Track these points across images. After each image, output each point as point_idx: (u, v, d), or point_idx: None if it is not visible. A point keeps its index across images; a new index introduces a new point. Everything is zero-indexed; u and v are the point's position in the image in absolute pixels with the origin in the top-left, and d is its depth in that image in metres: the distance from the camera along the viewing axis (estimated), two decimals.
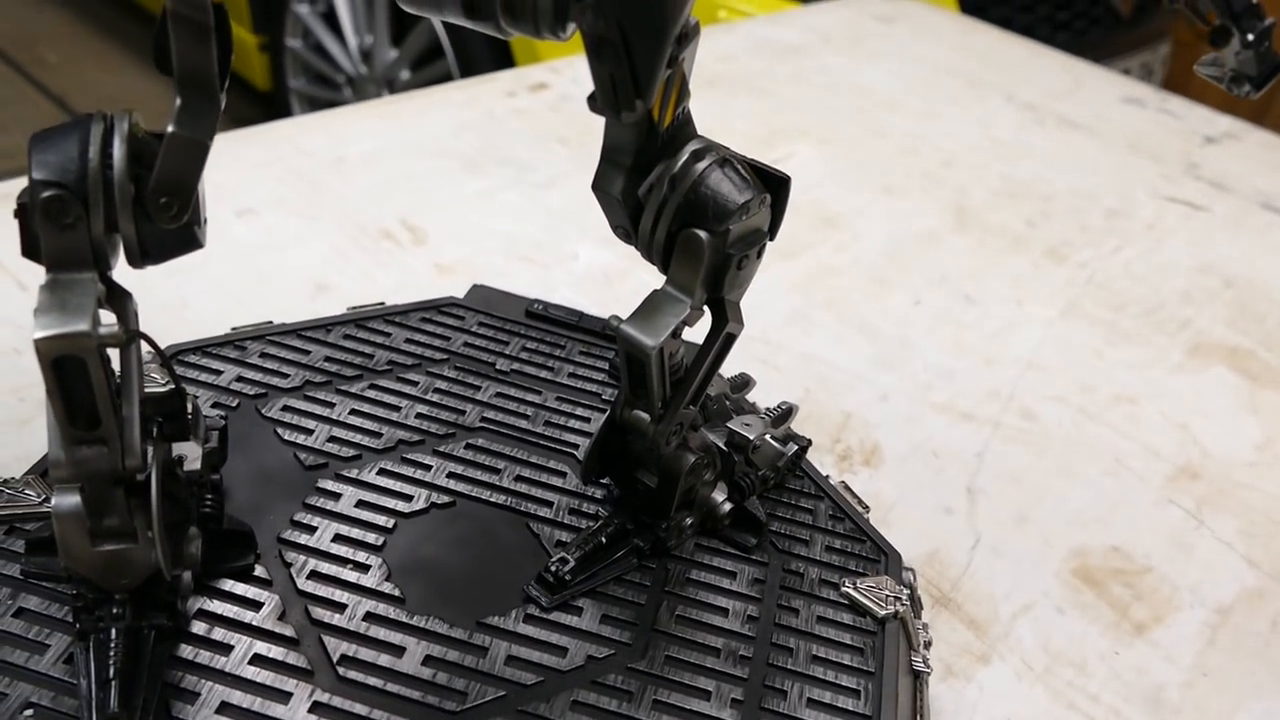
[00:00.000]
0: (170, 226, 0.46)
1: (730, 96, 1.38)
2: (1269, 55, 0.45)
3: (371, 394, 0.71)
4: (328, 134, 1.15)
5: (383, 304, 0.81)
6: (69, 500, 0.48)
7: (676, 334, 0.53)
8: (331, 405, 0.69)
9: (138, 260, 0.48)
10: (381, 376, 0.72)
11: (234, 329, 0.75)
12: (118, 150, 0.45)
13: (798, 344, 0.96)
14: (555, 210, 1.09)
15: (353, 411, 0.69)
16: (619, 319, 0.53)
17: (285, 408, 0.68)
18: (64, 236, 0.45)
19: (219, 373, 0.70)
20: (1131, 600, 0.76)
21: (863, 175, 1.25)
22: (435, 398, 0.72)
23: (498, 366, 0.75)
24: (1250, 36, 0.44)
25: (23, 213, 0.45)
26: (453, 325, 0.79)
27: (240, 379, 0.70)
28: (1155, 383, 0.99)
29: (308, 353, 0.73)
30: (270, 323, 0.77)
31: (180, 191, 0.46)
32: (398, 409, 0.70)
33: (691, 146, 0.52)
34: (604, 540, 0.60)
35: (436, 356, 0.75)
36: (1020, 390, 0.95)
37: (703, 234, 0.51)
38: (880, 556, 0.66)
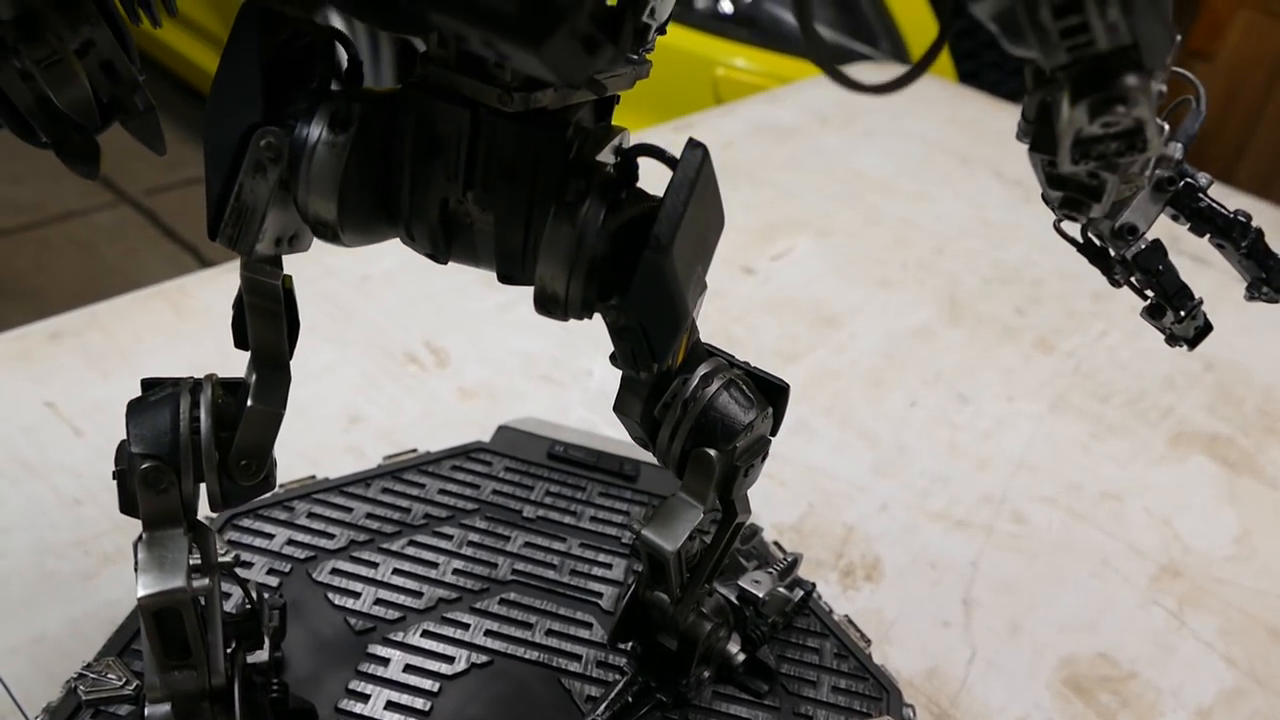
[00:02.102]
0: (249, 484, 0.53)
1: (731, 188, 1.43)
2: (1201, 324, 0.52)
3: (411, 551, 0.77)
4: (352, 250, 1.22)
5: (415, 450, 0.87)
6: (160, 710, 0.55)
7: (692, 537, 0.60)
8: (375, 565, 0.76)
9: (219, 507, 0.54)
10: (419, 531, 0.79)
11: (283, 485, 0.82)
12: (204, 421, 0.52)
13: (801, 455, 1.02)
14: (569, 324, 1.15)
15: (395, 571, 0.75)
16: (640, 523, 0.59)
17: (334, 570, 0.75)
18: (159, 499, 0.51)
19: (271, 536, 0.77)
20: (1118, 708, 0.83)
21: (859, 268, 1.31)
22: (469, 551, 0.78)
23: (524, 514, 0.82)
24: (1182, 313, 0.51)
25: (122, 477, 0.52)
26: (481, 472, 0.85)
27: (291, 542, 0.76)
28: (1139, 477, 1.05)
29: (350, 510, 0.80)
30: (313, 477, 0.83)
31: (259, 454, 0.52)
32: (435, 565, 0.76)
33: (701, 370, 0.59)
34: (630, 699, 0.67)
35: (468, 507, 0.82)
36: (1011, 493, 1.01)
37: (713, 453, 0.57)
38: (882, 694, 0.73)
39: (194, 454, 0.51)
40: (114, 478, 0.52)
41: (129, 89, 0.65)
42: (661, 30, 0.55)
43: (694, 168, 0.46)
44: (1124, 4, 0.32)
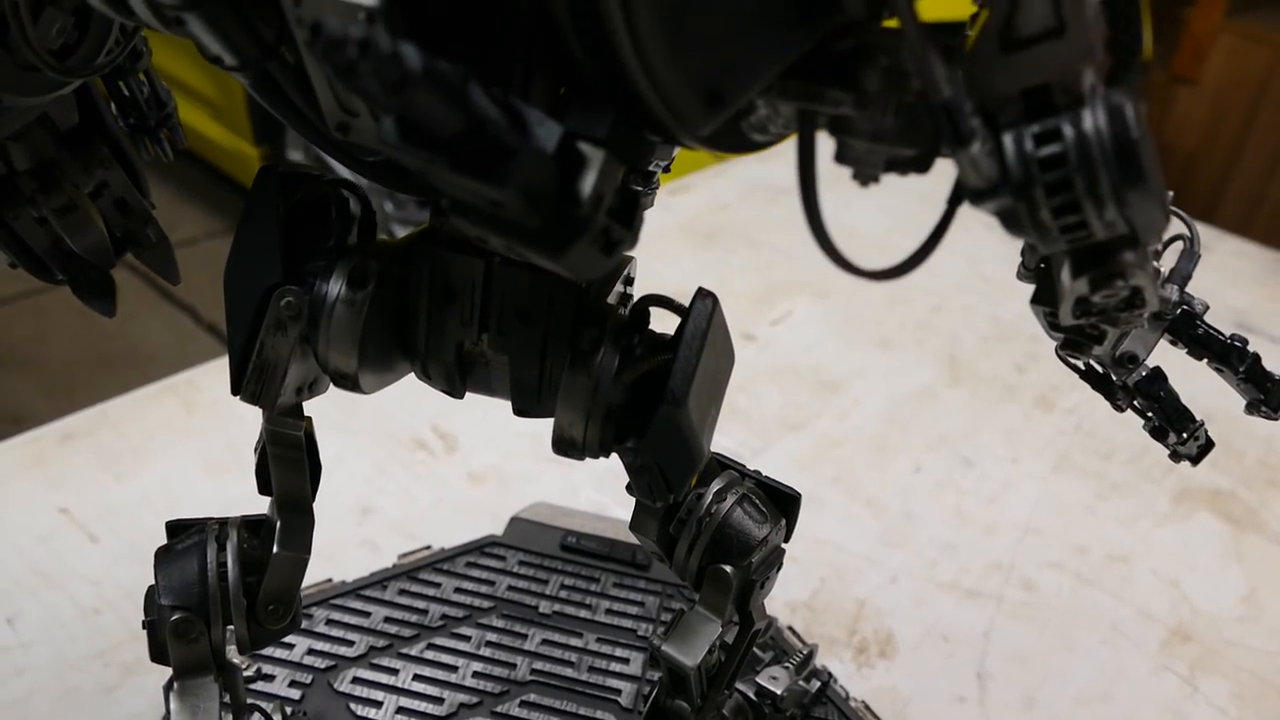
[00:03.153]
0: (276, 627, 0.53)
1: (729, 252, 1.45)
2: (1204, 443, 0.53)
3: (430, 654, 0.78)
4: None
5: (429, 547, 0.88)
6: None
7: (711, 651, 0.61)
8: (396, 672, 0.76)
9: (247, 649, 0.55)
10: (437, 634, 0.80)
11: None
12: (231, 569, 0.53)
13: (810, 528, 1.03)
14: None
15: (416, 677, 0.76)
16: (660, 638, 0.60)
17: (355, 679, 0.75)
18: (190, 649, 0.52)
19: (291, 646, 0.77)
20: None
21: (859, 329, 1.32)
22: (487, 651, 0.79)
23: (540, 610, 0.83)
24: (1185, 435, 0.52)
25: (152, 628, 0.52)
26: (495, 568, 0.86)
27: (311, 651, 0.77)
28: (1145, 537, 1.06)
29: (368, 614, 0.81)
30: (330, 580, 0.84)
31: (285, 599, 0.53)
32: (455, 669, 0.77)
33: (715, 486, 0.60)
34: None
35: (484, 605, 0.82)
36: (1020, 559, 1.02)
37: (730, 569, 0.58)
38: None
39: (223, 602, 0.52)
40: (143, 627, 0.53)
41: (141, 222, 0.67)
42: (666, 169, 0.57)
43: (705, 318, 0.47)
44: (1119, 201, 0.33)
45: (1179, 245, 0.51)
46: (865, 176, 0.36)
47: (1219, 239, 1.57)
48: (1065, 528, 1.07)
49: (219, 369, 1.16)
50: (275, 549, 0.52)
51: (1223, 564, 1.05)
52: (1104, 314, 0.39)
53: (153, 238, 0.68)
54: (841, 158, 0.36)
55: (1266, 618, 0.99)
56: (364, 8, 0.36)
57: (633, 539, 0.91)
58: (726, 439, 1.12)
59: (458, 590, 0.84)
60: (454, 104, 0.30)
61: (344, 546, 0.96)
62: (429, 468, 1.06)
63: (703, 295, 0.48)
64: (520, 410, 0.54)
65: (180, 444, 1.05)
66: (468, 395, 0.55)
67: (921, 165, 0.35)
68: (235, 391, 0.51)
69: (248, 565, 0.53)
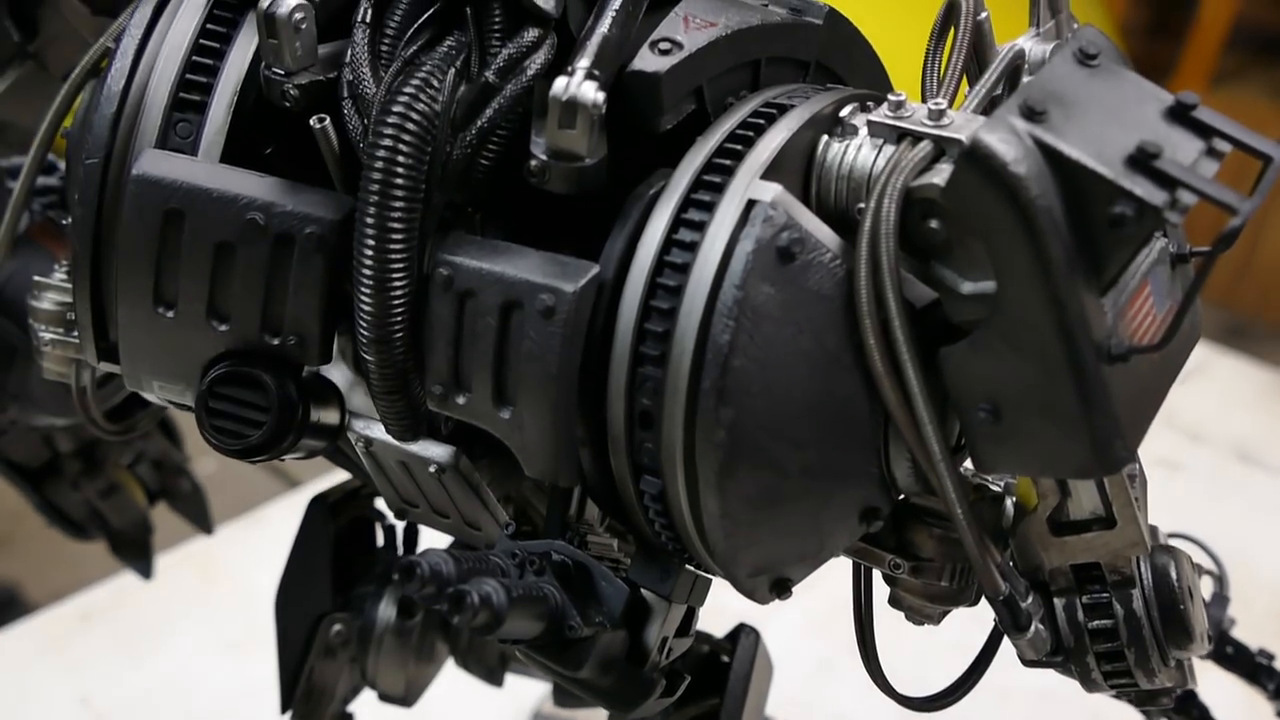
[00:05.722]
0: None
1: None
2: None
3: None
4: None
5: None
6: None
7: None
8: None
9: None
10: None
11: None
12: None
13: (825, 701, 1.04)
14: None
15: None
16: None
17: None
18: None
19: None
20: None
21: None
22: None
23: None
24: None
25: None
26: None
27: None
28: None
29: None
30: None
31: None
32: None
33: None
34: None
35: None
36: None
37: None
38: None
39: None
40: None
41: (175, 475, 0.68)
42: None
43: (749, 658, 0.48)
44: (1166, 661, 0.35)
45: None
46: (918, 620, 0.37)
47: (1216, 358, 1.59)
48: (1074, 694, 1.08)
49: (233, 536, 1.16)
50: None
51: None
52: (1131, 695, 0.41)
53: (186, 488, 0.69)
54: (895, 603, 0.37)
55: None
56: (435, 461, 0.38)
57: None
58: None
59: None
60: (538, 618, 0.32)
61: None
62: None
63: (746, 632, 0.49)
64: (560, 704, 0.56)
65: (199, 621, 1.05)
66: None
67: (972, 603, 0.37)
68: (284, 711, 0.52)
69: None
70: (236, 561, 1.12)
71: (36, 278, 0.43)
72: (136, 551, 0.66)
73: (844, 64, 0.39)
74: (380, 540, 0.53)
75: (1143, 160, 0.27)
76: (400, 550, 0.54)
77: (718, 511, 0.32)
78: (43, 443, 0.60)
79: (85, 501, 0.64)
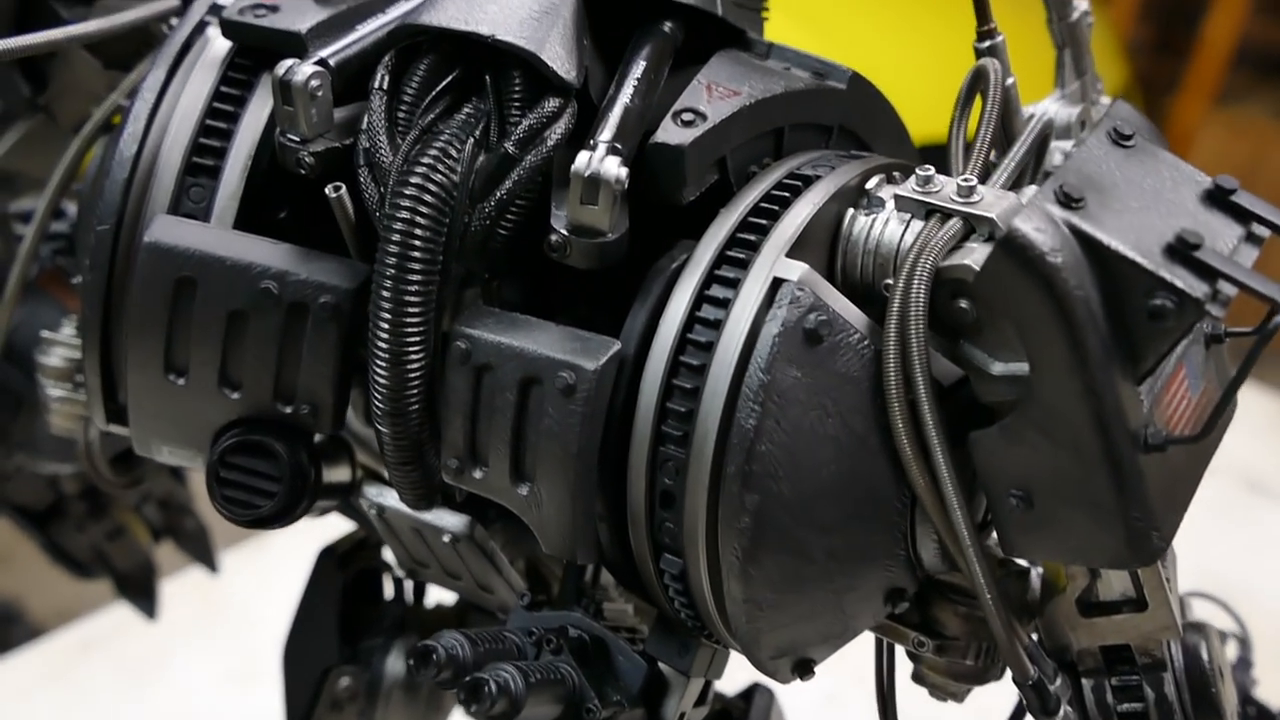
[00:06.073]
0: None
1: None
2: None
3: None
4: None
5: None
6: None
7: None
8: None
9: None
10: None
11: None
12: None
13: None
14: None
15: None
16: None
17: None
18: None
19: None
20: None
21: None
22: None
23: None
24: None
25: None
26: None
27: None
28: None
29: None
30: None
31: None
32: None
33: None
34: None
35: None
36: None
37: None
38: None
39: None
40: None
41: (181, 513, 0.67)
42: None
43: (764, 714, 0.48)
44: None
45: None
46: (941, 697, 0.37)
47: None
48: None
49: (235, 565, 1.15)
50: None
51: None
52: None
53: (190, 527, 0.68)
54: (918, 679, 0.36)
55: None
56: (449, 531, 0.37)
57: None
58: None
59: None
60: (556, 701, 0.31)
61: None
62: None
63: (760, 693, 0.48)
64: None
65: (200, 650, 1.04)
66: None
67: (997, 679, 0.36)
68: None
69: None
70: (238, 590, 1.12)
71: (44, 333, 0.43)
72: (141, 591, 0.66)
73: (866, 127, 0.38)
74: (389, 591, 0.52)
75: (1183, 250, 0.26)
76: (409, 601, 0.53)
77: (741, 596, 0.31)
78: (48, 485, 0.60)
79: (90, 543, 0.63)
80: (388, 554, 0.52)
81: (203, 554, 0.69)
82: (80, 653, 1.03)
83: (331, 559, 0.51)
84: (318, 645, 0.51)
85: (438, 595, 0.54)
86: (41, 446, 0.51)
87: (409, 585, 0.53)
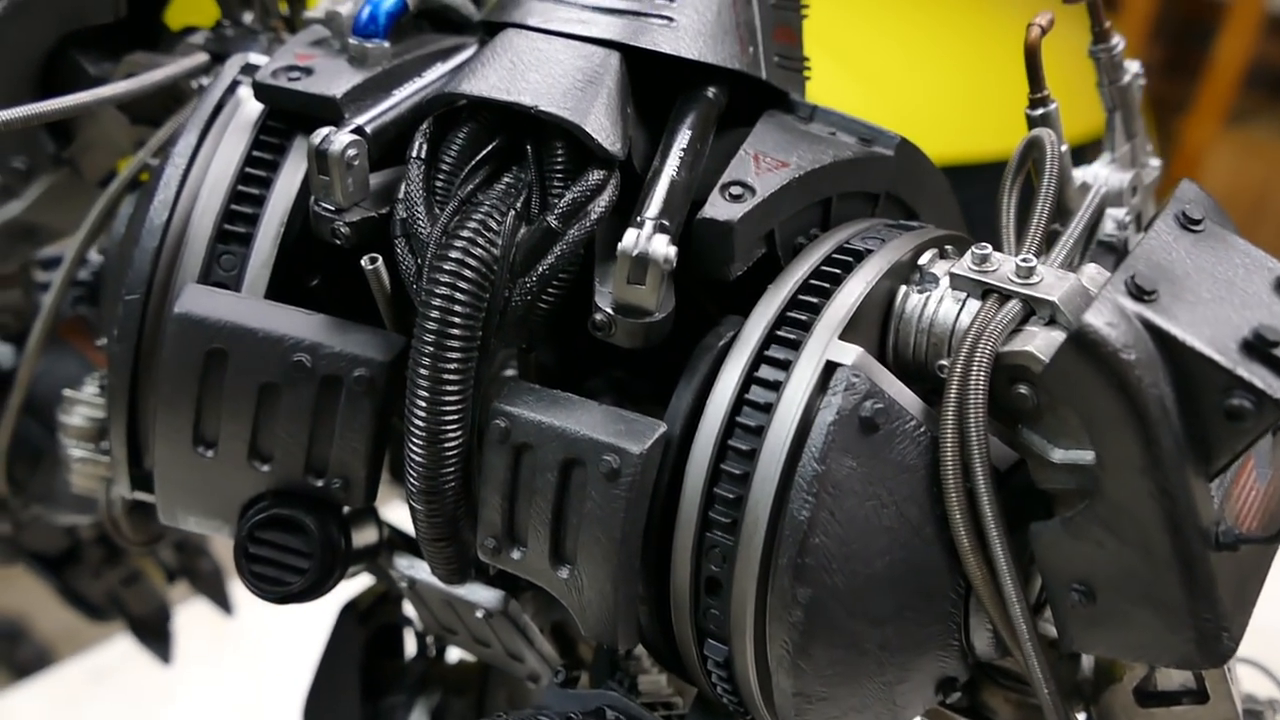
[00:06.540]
0: None
1: None
2: None
3: None
4: None
5: None
6: None
7: None
8: None
9: None
10: None
11: None
12: None
13: None
14: None
15: None
16: None
17: None
18: None
19: None
20: None
21: None
22: None
23: None
24: None
25: None
26: None
27: None
28: None
29: None
30: None
31: None
32: None
33: None
34: None
35: None
36: None
37: None
38: None
39: None
40: None
41: (196, 555, 0.66)
42: None
43: None
44: None
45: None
46: None
47: None
48: None
49: (246, 595, 1.14)
50: None
51: None
52: None
53: (205, 568, 0.67)
54: None
55: None
56: (483, 607, 0.36)
57: None
58: None
59: None
60: None
61: None
62: None
63: None
64: None
65: (209, 682, 1.03)
66: None
67: None
68: None
69: None
70: (248, 621, 1.10)
71: (66, 392, 0.42)
72: (156, 635, 0.65)
73: (913, 193, 0.37)
74: (411, 647, 0.51)
75: (1261, 347, 0.25)
76: (431, 656, 0.52)
77: (791, 690, 0.30)
78: (64, 532, 0.59)
79: (106, 589, 0.62)
80: (409, 608, 0.51)
81: (217, 595, 0.68)
82: (91, 683, 1.02)
83: (352, 614, 0.50)
84: (338, 703, 0.50)
85: (460, 651, 0.53)
86: (60, 499, 0.50)
87: (430, 638, 0.52)
